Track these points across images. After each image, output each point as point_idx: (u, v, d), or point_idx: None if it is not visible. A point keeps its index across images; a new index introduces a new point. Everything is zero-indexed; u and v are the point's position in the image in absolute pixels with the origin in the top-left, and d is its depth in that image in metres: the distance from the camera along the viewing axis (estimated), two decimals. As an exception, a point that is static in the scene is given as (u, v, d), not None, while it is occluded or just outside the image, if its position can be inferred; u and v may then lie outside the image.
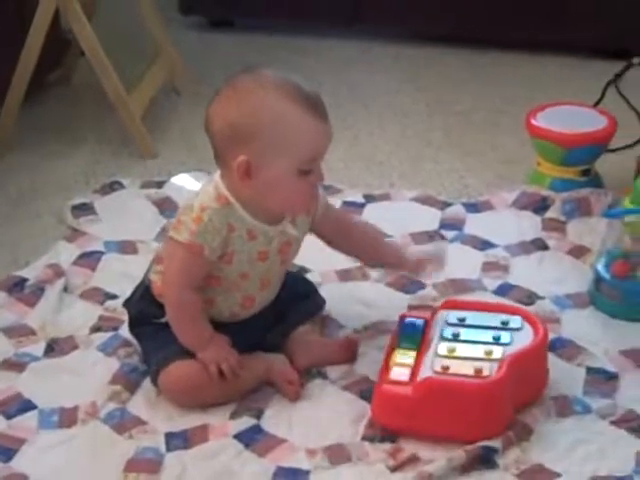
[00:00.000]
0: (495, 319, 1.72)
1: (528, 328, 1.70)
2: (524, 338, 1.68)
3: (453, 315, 1.74)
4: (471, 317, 1.73)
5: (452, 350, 1.65)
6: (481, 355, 1.64)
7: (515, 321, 1.71)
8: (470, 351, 1.65)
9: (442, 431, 1.61)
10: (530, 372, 1.65)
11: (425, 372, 1.62)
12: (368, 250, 1.84)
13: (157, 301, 1.73)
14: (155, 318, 1.73)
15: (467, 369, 1.61)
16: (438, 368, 1.62)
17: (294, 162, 1.60)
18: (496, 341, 1.67)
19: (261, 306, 1.75)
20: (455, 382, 1.60)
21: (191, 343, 1.68)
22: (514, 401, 1.63)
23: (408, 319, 1.75)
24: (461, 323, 1.72)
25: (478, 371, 1.60)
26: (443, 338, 1.69)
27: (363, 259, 1.89)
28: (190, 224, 1.62)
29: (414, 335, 1.70)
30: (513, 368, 1.61)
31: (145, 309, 1.75)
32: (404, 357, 1.66)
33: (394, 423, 1.63)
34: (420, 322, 1.73)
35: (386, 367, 1.66)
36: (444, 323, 1.72)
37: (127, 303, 1.82)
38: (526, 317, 1.72)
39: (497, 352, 1.64)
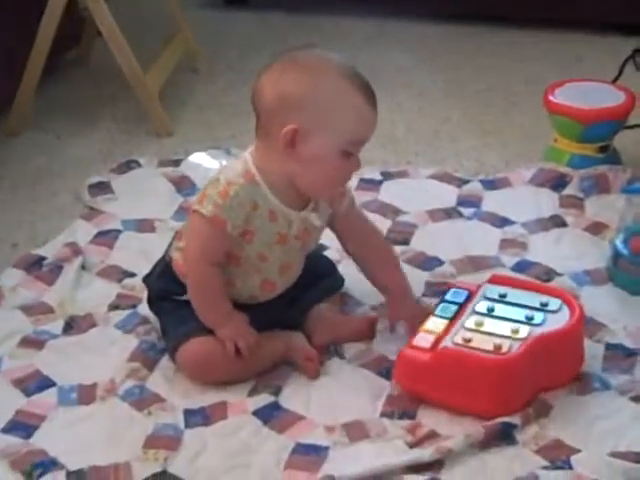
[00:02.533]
0: (535, 299, 1.70)
1: (565, 311, 1.68)
2: (558, 321, 1.66)
3: (495, 290, 1.73)
4: (512, 294, 1.72)
5: (480, 324, 1.65)
6: (507, 332, 1.63)
7: (554, 303, 1.69)
8: (497, 327, 1.65)
9: (456, 402, 1.61)
10: (559, 354, 1.63)
11: (446, 342, 1.63)
12: (374, 268, 1.80)
13: (177, 278, 1.72)
14: (175, 295, 1.73)
15: (487, 344, 1.61)
16: (459, 340, 1.63)
17: (340, 139, 1.61)
18: (528, 320, 1.66)
19: (281, 290, 1.75)
20: (469, 355, 1.60)
21: (209, 319, 1.68)
22: (539, 382, 1.62)
23: (452, 289, 1.75)
24: (500, 299, 1.71)
25: (497, 347, 1.60)
26: (475, 311, 1.69)
27: (366, 274, 1.82)
28: (215, 197, 1.62)
29: (451, 305, 1.71)
30: (535, 348, 1.60)
31: (165, 286, 1.75)
32: (435, 325, 1.67)
33: (412, 388, 1.64)
34: (463, 293, 1.73)
35: (415, 332, 1.67)
36: (483, 297, 1.72)
37: (147, 279, 1.82)
38: (567, 301, 1.70)
39: (524, 331, 1.63)
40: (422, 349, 1.63)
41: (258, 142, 1.67)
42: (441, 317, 1.69)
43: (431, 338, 1.64)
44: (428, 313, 1.71)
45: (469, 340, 1.62)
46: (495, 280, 1.77)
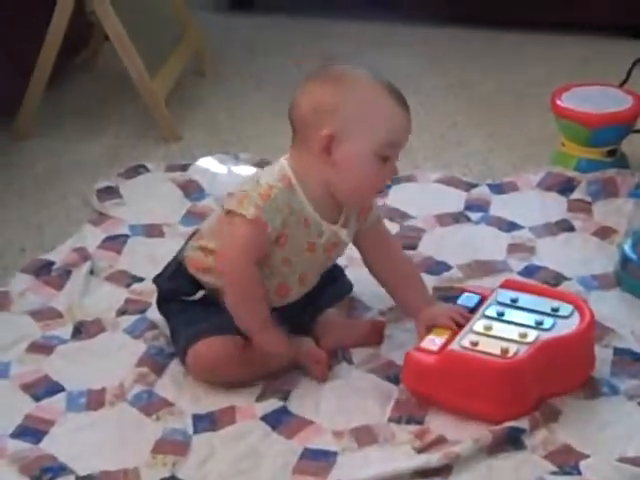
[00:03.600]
0: (546, 304, 1.70)
1: (576, 317, 1.68)
2: (568, 326, 1.66)
3: (507, 295, 1.73)
4: (523, 299, 1.72)
5: (488, 328, 1.65)
6: (514, 337, 1.63)
7: (566, 309, 1.69)
8: (505, 331, 1.65)
9: (462, 405, 1.61)
10: (567, 360, 1.63)
11: (453, 345, 1.63)
12: (397, 286, 1.79)
13: (190, 278, 1.73)
14: (186, 295, 1.73)
15: (494, 348, 1.61)
16: (466, 343, 1.63)
17: (374, 142, 1.63)
18: (537, 325, 1.65)
19: (294, 299, 1.75)
20: (475, 358, 1.61)
21: (248, 323, 1.67)
22: (546, 387, 1.62)
23: (465, 294, 1.76)
24: (511, 304, 1.71)
25: (504, 351, 1.60)
26: (485, 315, 1.69)
27: (388, 290, 1.81)
28: (257, 199, 1.62)
29: (463, 309, 1.71)
30: (542, 353, 1.60)
31: (176, 286, 1.75)
32: (443, 329, 1.67)
33: (419, 389, 1.65)
34: (475, 298, 1.74)
35: (425, 335, 1.68)
36: (494, 301, 1.72)
37: (157, 279, 1.81)
38: (578, 306, 1.70)
39: (531, 336, 1.63)
40: (429, 351, 1.63)
41: (294, 151, 1.68)
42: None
43: (440, 341, 1.65)
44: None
45: (476, 343, 1.62)
46: (508, 285, 1.77)
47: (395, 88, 1.67)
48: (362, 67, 1.70)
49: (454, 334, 1.66)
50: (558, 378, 1.63)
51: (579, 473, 1.51)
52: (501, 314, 1.69)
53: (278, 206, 1.63)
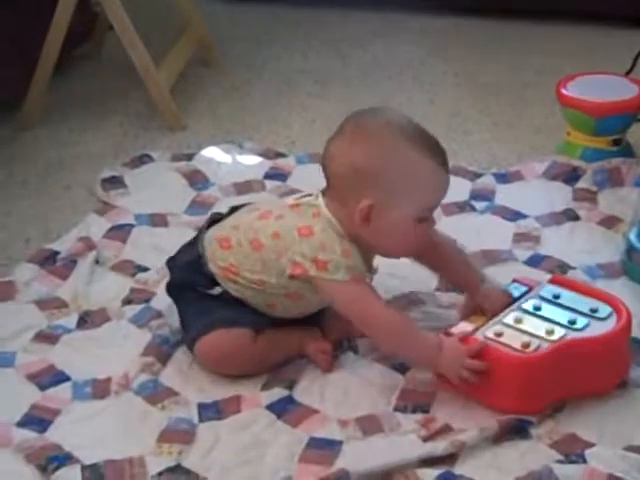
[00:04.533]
0: (586, 304, 1.67)
1: (612, 320, 1.65)
2: (601, 328, 1.63)
3: (550, 290, 1.71)
4: (565, 296, 1.70)
5: (519, 321, 1.64)
6: (541, 333, 1.61)
7: (604, 310, 1.66)
8: (534, 326, 1.63)
9: (478, 395, 1.61)
10: (592, 362, 1.60)
11: (477, 334, 1.63)
12: (450, 272, 1.80)
13: (208, 274, 1.71)
14: (201, 287, 1.72)
15: (516, 341, 1.60)
16: (490, 334, 1.62)
17: (416, 209, 1.62)
18: (568, 324, 1.63)
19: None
20: (492, 349, 1.60)
21: (426, 354, 1.63)
22: (567, 386, 1.60)
23: (514, 284, 1.75)
24: (551, 299, 1.69)
25: (525, 345, 1.59)
26: (520, 308, 1.68)
27: (446, 279, 1.84)
28: (342, 261, 1.61)
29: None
30: (563, 352, 1.58)
31: (192, 277, 1.73)
32: (482, 316, 1.67)
33: (441, 375, 1.64)
34: (523, 289, 1.73)
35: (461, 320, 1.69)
36: (536, 295, 1.71)
37: (171, 263, 1.79)
38: (617, 309, 1.67)
39: (558, 333, 1.61)
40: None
41: (331, 201, 1.66)
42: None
43: (470, 328, 1.64)
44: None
45: (500, 334, 1.61)
46: (555, 280, 1.75)
47: (433, 143, 1.64)
48: (397, 117, 1.66)
49: (485, 323, 1.65)
50: (582, 380, 1.60)
51: (585, 462, 1.51)
52: (537, 308, 1.67)
53: (358, 257, 1.63)
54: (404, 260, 1.96)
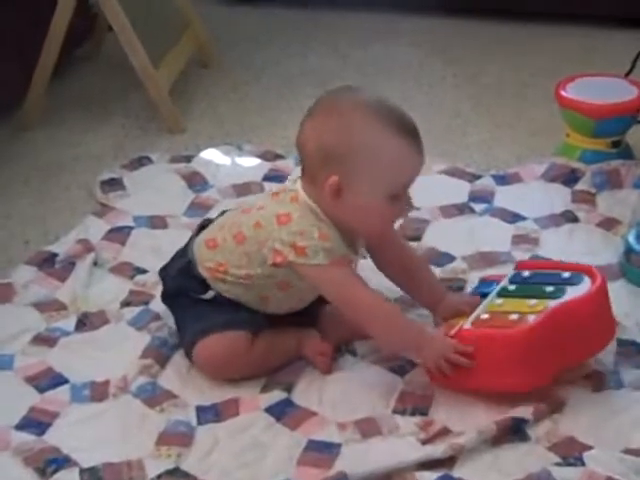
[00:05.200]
0: (556, 276, 1.71)
1: (587, 282, 1.67)
2: (578, 291, 1.66)
3: (518, 274, 1.75)
4: (535, 275, 1.73)
5: (500, 305, 1.67)
6: (525, 308, 1.64)
7: (577, 277, 1.69)
8: (516, 305, 1.65)
9: (488, 383, 1.61)
10: (581, 324, 1.61)
11: (466, 325, 1.64)
12: (411, 285, 1.80)
13: (199, 278, 1.72)
14: (194, 293, 1.72)
15: (506, 321, 1.62)
16: (477, 321, 1.64)
17: (385, 187, 1.62)
18: (548, 294, 1.66)
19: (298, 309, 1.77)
20: (485, 332, 1.62)
21: (410, 340, 1.65)
22: (565, 354, 1.61)
23: (483, 283, 1.78)
24: (522, 281, 1.73)
25: (514, 322, 1.61)
26: (496, 294, 1.71)
27: (403, 289, 1.82)
28: (320, 244, 1.61)
29: (481, 295, 1.73)
30: (554, 319, 1.60)
31: (185, 284, 1.73)
32: (461, 317, 1.68)
33: (442, 379, 1.64)
34: (493, 285, 1.75)
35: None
36: (507, 280, 1.74)
37: (163, 272, 1.80)
38: (589, 272, 1.69)
39: (542, 304, 1.63)
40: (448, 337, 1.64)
41: (306, 184, 1.66)
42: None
43: (458, 325, 1.66)
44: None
45: (488, 320, 1.64)
46: (522, 266, 1.79)
47: (408, 122, 1.64)
48: (370, 95, 1.65)
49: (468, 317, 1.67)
50: (577, 344, 1.61)
51: (583, 464, 1.51)
52: (512, 290, 1.70)
53: (337, 239, 1.63)
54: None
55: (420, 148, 1.64)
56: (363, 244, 1.74)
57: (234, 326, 1.68)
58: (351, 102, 1.63)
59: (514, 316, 1.62)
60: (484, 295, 1.73)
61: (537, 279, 1.73)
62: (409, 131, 1.63)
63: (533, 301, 1.65)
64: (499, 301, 1.68)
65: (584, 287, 1.67)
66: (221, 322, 1.68)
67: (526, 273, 1.74)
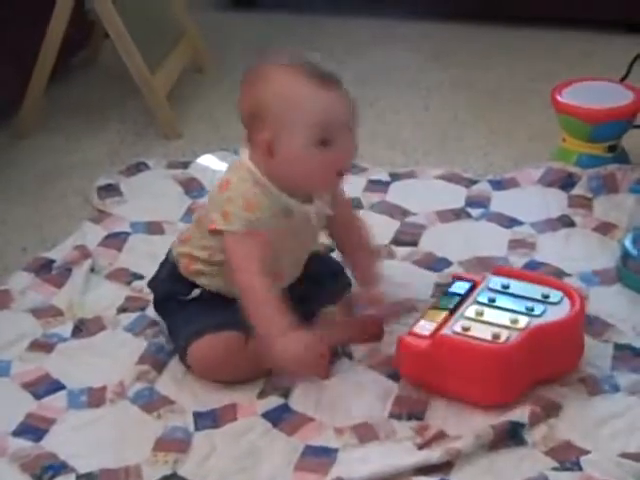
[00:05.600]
0: (537, 291, 1.72)
1: (566, 304, 1.70)
2: (557, 313, 1.67)
3: (498, 281, 1.75)
4: (514, 286, 1.74)
5: (480, 314, 1.67)
6: (506, 322, 1.65)
7: (556, 295, 1.71)
8: (497, 317, 1.66)
9: (454, 390, 1.63)
10: (557, 345, 1.64)
11: (445, 330, 1.65)
12: (351, 252, 1.82)
13: (184, 279, 1.73)
14: (182, 295, 1.73)
15: (485, 333, 1.63)
16: (458, 328, 1.64)
17: (306, 133, 1.62)
18: (528, 312, 1.67)
19: (289, 280, 1.76)
20: (467, 343, 1.62)
21: (269, 330, 1.64)
22: (536, 372, 1.63)
23: (457, 280, 1.77)
24: (502, 290, 1.73)
25: (496, 336, 1.62)
26: (476, 301, 1.71)
27: (345, 258, 1.84)
28: (242, 213, 1.63)
29: (454, 296, 1.73)
30: (533, 339, 1.62)
31: (173, 287, 1.75)
32: (436, 314, 1.69)
33: (411, 374, 1.67)
34: (467, 284, 1.75)
35: (418, 320, 1.69)
36: (485, 288, 1.74)
37: (152, 283, 1.82)
38: (568, 293, 1.71)
39: (523, 321, 1.65)
40: (421, 336, 1.65)
41: (250, 150, 1.69)
42: (443, 306, 1.71)
43: (432, 326, 1.66)
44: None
45: (468, 329, 1.64)
46: (499, 272, 1.79)
47: (316, 69, 1.63)
48: (289, 55, 1.67)
49: (445, 319, 1.67)
50: (549, 363, 1.64)
51: (580, 469, 1.51)
52: (492, 300, 1.70)
53: (265, 208, 1.64)
54: (399, 268, 1.98)
55: (334, 87, 1.63)
56: (327, 199, 1.73)
57: (226, 326, 1.68)
58: (268, 63, 1.66)
59: (495, 329, 1.63)
60: (457, 296, 1.73)
61: (516, 290, 1.73)
62: (322, 75, 1.63)
63: (514, 316, 1.66)
64: (479, 309, 1.68)
65: (564, 309, 1.69)
66: (213, 323, 1.68)
67: (505, 281, 1.74)
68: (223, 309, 1.69)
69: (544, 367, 1.64)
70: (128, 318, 1.86)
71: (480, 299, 1.71)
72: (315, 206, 1.70)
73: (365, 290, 1.79)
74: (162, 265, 1.80)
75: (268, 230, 1.65)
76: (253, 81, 1.66)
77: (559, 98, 2.28)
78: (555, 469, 1.51)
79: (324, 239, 1.85)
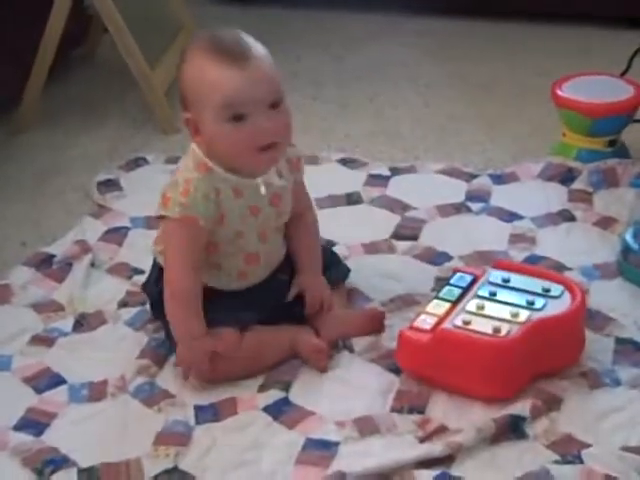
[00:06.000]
0: (537, 285, 1.72)
1: (567, 297, 1.70)
2: (558, 306, 1.68)
3: (498, 275, 1.75)
4: (515, 279, 1.74)
5: (481, 307, 1.67)
6: (506, 316, 1.65)
7: (556, 289, 1.71)
8: (497, 311, 1.67)
9: (455, 384, 1.63)
10: (558, 339, 1.64)
11: (446, 324, 1.65)
12: (296, 239, 1.81)
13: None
14: None
15: (486, 327, 1.63)
16: (459, 322, 1.65)
17: (216, 110, 1.63)
18: (528, 305, 1.67)
19: (268, 261, 1.76)
20: (467, 337, 1.62)
21: (176, 331, 1.69)
22: (537, 366, 1.64)
23: (458, 273, 1.77)
24: (503, 284, 1.73)
25: (496, 330, 1.62)
26: (477, 295, 1.71)
27: (288, 244, 1.82)
28: (179, 198, 1.64)
29: (455, 289, 1.73)
30: (533, 332, 1.62)
31: (162, 289, 1.73)
32: (437, 307, 1.69)
33: (412, 368, 1.67)
34: (468, 277, 1.75)
35: (419, 314, 1.69)
36: (486, 281, 1.74)
37: (145, 286, 1.83)
38: (569, 287, 1.72)
39: (523, 315, 1.65)
40: (423, 330, 1.65)
41: None
42: (444, 300, 1.71)
43: (432, 320, 1.66)
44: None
45: (469, 322, 1.64)
46: (499, 265, 1.79)
47: (226, 48, 1.64)
48: (206, 35, 1.68)
49: (446, 313, 1.68)
50: (549, 357, 1.64)
51: (581, 462, 1.51)
52: (493, 294, 1.71)
53: (203, 195, 1.64)
54: (400, 262, 1.98)
55: (237, 63, 1.62)
56: (282, 168, 1.74)
57: (220, 322, 1.68)
58: (193, 45, 1.68)
59: (496, 323, 1.63)
60: (458, 289, 1.73)
61: (517, 284, 1.73)
62: (231, 54, 1.63)
63: (514, 309, 1.66)
64: (480, 303, 1.68)
65: (565, 303, 1.69)
66: (206, 321, 1.68)
67: (505, 275, 1.74)
68: (213, 304, 1.69)
69: (545, 361, 1.64)
70: (129, 313, 1.86)
71: (481, 293, 1.72)
72: (262, 178, 1.70)
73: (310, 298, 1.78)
74: (152, 266, 1.80)
75: (224, 212, 1.66)
76: (179, 65, 1.69)
77: (559, 92, 2.28)
78: (556, 462, 1.51)
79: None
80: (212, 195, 1.65)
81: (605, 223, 2.07)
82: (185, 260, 1.66)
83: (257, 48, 1.67)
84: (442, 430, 1.58)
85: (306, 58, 2.95)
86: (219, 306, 1.69)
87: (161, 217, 1.68)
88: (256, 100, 1.63)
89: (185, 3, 2.90)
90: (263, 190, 1.69)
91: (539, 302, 1.68)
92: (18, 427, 1.61)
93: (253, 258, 1.73)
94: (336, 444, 1.56)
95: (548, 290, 1.71)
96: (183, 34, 2.84)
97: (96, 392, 1.68)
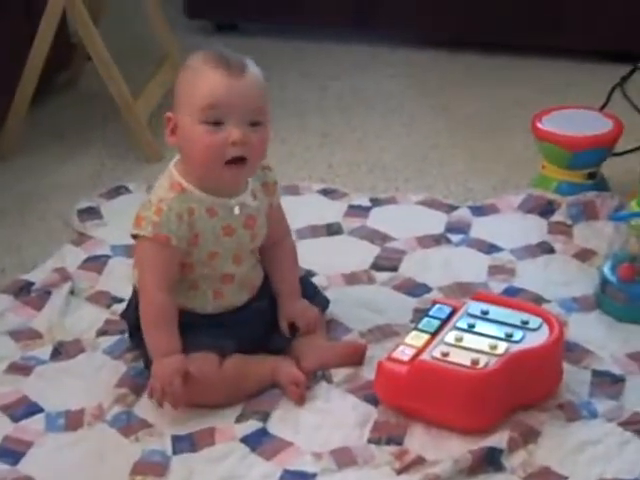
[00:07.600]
0: (516, 317, 1.73)
1: (545, 330, 1.71)
2: (536, 339, 1.68)
3: (477, 307, 1.76)
4: (494, 312, 1.75)
5: (459, 339, 1.68)
6: (485, 348, 1.66)
7: (535, 322, 1.72)
8: (476, 343, 1.67)
9: (432, 415, 1.63)
10: (535, 371, 1.65)
11: (424, 355, 1.65)
12: (275, 266, 1.83)
13: None
14: None
15: (464, 359, 1.63)
16: (437, 354, 1.65)
17: (197, 109, 1.65)
18: (507, 337, 1.68)
19: (244, 283, 1.76)
20: (445, 368, 1.63)
21: (151, 349, 1.70)
22: (515, 398, 1.64)
23: (437, 305, 1.78)
24: (481, 316, 1.74)
25: (474, 362, 1.62)
26: (456, 327, 1.71)
27: (267, 270, 1.83)
28: (152, 217, 1.66)
29: (434, 320, 1.74)
30: (511, 365, 1.63)
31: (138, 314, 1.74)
32: (416, 339, 1.70)
33: (391, 399, 1.67)
34: (447, 309, 1.76)
35: (397, 345, 1.70)
36: (465, 313, 1.74)
37: (125, 313, 1.83)
38: (547, 320, 1.73)
39: (502, 347, 1.66)
40: (400, 361, 1.66)
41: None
42: (423, 331, 1.72)
43: (411, 351, 1.67)
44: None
45: (447, 354, 1.65)
46: (478, 297, 1.80)
47: (220, 57, 1.69)
48: (208, 48, 1.74)
49: (425, 345, 1.68)
50: (527, 389, 1.65)
51: (558, 495, 1.52)
52: (472, 326, 1.71)
53: (176, 214, 1.66)
54: (379, 293, 1.98)
55: (238, 77, 1.66)
56: (256, 190, 1.75)
57: (199, 347, 1.68)
58: (194, 57, 1.73)
59: (474, 355, 1.64)
60: (436, 320, 1.74)
61: (496, 316, 1.74)
62: (223, 62, 1.68)
63: (492, 341, 1.67)
64: (458, 335, 1.69)
65: (543, 335, 1.70)
66: (185, 344, 1.68)
67: (484, 307, 1.75)
68: (193, 330, 1.69)
69: (523, 393, 1.65)
70: (107, 341, 1.86)
71: (459, 325, 1.72)
72: (236, 199, 1.71)
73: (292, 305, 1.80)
74: (132, 293, 1.79)
75: (198, 232, 1.67)
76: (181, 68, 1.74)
77: (539, 125, 2.30)
78: (534, 495, 1.52)
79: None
80: (185, 215, 1.66)
81: (584, 256, 2.08)
82: (158, 278, 1.67)
83: (256, 70, 1.71)
84: (419, 462, 1.58)
85: (291, 88, 2.96)
86: (198, 333, 1.69)
87: (135, 237, 1.68)
88: (238, 111, 1.65)
89: (172, 32, 2.90)
90: (237, 210, 1.71)
91: (517, 334, 1.69)
92: (-6, 456, 1.61)
93: (228, 279, 1.74)
94: (313, 476, 1.56)
95: (526, 322, 1.72)
96: (168, 63, 2.85)
97: (73, 421, 1.68)
